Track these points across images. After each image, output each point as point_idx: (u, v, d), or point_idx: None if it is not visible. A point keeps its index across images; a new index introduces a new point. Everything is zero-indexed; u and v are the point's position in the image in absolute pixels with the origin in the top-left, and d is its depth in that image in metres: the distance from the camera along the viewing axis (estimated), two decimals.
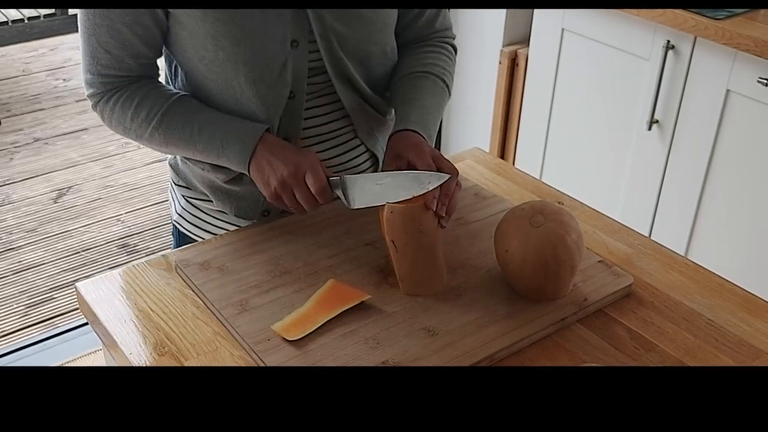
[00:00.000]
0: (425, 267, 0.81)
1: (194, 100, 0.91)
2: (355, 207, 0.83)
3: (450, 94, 1.01)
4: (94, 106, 0.92)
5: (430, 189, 0.79)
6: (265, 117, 0.90)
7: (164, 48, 0.93)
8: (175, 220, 1.04)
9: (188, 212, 1.01)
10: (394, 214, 0.79)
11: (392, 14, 0.94)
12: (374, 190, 0.82)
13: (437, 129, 0.95)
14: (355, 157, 0.99)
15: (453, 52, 1.03)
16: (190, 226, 1.01)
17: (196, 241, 1.00)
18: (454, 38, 1.04)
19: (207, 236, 1.00)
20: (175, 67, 0.95)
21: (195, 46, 0.87)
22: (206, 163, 0.93)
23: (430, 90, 0.96)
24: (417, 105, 0.93)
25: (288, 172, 0.83)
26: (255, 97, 0.89)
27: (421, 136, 0.89)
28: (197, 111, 0.89)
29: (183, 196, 1.01)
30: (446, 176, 0.80)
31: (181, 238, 1.03)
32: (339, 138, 0.97)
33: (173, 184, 1.03)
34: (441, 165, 0.84)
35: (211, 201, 0.97)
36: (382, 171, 0.89)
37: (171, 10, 0.86)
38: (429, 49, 1.00)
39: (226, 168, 0.92)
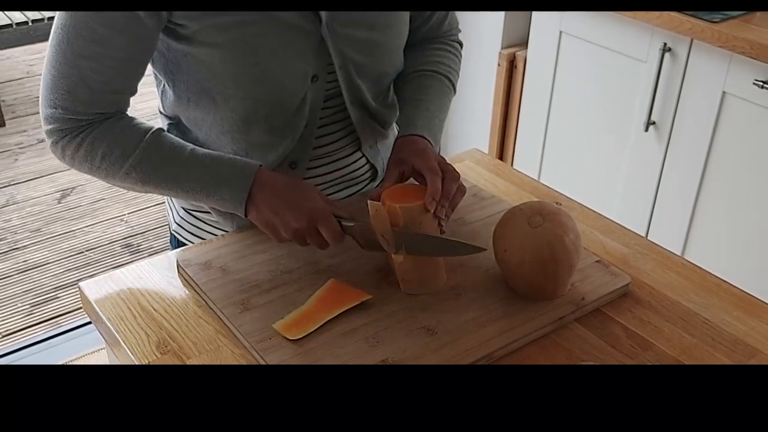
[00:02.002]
0: (425, 266, 0.81)
1: (172, 137, 0.85)
2: (369, 250, 0.83)
3: (455, 92, 1.01)
4: (54, 144, 0.83)
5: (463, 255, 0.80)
6: (278, 147, 0.90)
7: (160, 75, 0.90)
8: (174, 231, 1.03)
9: (187, 222, 1.00)
10: (393, 213, 0.79)
11: (404, 34, 0.95)
12: (410, 245, 0.80)
13: (442, 130, 0.96)
14: (356, 170, 1.00)
15: (459, 49, 1.04)
16: (189, 235, 1.00)
17: None
18: (459, 32, 1.05)
19: None
20: (168, 87, 0.90)
21: (213, 81, 0.84)
22: None
23: (435, 90, 0.96)
24: (423, 108, 0.93)
25: (300, 226, 0.80)
26: (270, 129, 0.88)
27: (427, 140, 0.90)
28: (179, 148, 0.84)
29: (182, 207, 1.00)
30: (479, 248, 0.79)
31: (180, 247, 1.02)
32: (343, 153, 0.97)
33: None
34: (445, 169, 0.85)
35: (209, 212, 0.96)
36: (384, 175, 0.89)
37: (189, 49, 0.83)
38: (436, 47, 1.01)
39: None
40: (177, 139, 0.86)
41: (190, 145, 0.86)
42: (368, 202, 0.79)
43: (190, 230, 1.00)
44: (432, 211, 0.80)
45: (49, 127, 0.83)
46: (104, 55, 0.79)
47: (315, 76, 0.88)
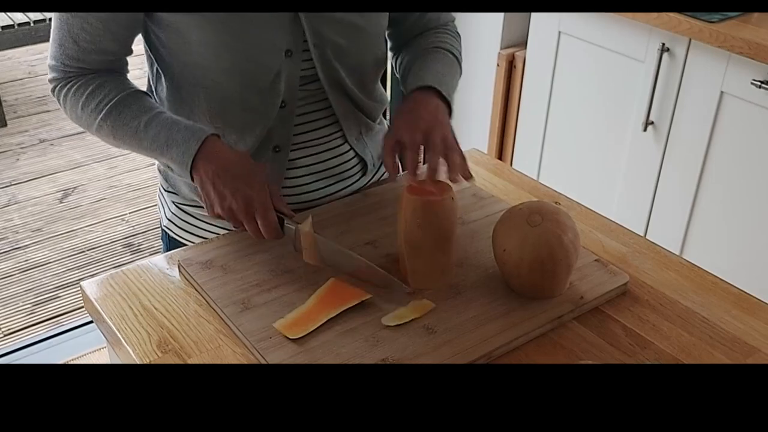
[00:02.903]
0: (435, 261, 0.82)
1: (147, 97, 0.89)
2: (305, 260, 0.83)
3: (461, 69, 1.01)
4: (53, 91, 0.92)
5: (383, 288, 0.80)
6: (255, 126, 0.90)
7: (149, 53, 0.93)
8: (165, 226, 1.03)
9: (178, 218, 1.01)
10: (415, 206, 0.80)
11: (383, 22, 0.95)
12: (328, 255, 0.82)
13: (455, 89, 0.95)
14: (344, 163, 0.99)
15: (458, 35, 1.05)
16: (181, 231, 1.01)
17: (186, 246, 1.00)
18: (453, 19, 1.06)
19: (197, 240, 0.99)
20: (157, 71, 0.94)
21: (190, 52, 0.87)
22: None
23: (441, 59, 0.97)
24: (431, 68, 0.94)
25: (237, 207, 0.82)
26: (246, 105, 0.89)
27: (435, 90, 0.89)
28: (147, 107, 0.88)
29: (173, 202, 1.01)
30: (407, 289, 0.80)
31: (171, 244, 1.02)
32: (329, 144, 0.97)
33: (162, 189, 1.03)
34: (434, 137, 0.84)
35: (202, 206, 0.97)
36: (383, 145, 0.87)
37: (167, 19, 0.86)
38: (435, 32, 1.02)
39: None
40: (151, 101, 0.89)
41: (160, 108, 0.89)
42: (403, 194, 0.81)
43: (180, 225, 1.01)
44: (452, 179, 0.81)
45: (50, 76, 0.92)
46: (90, 14, 0.84)
47: (289, 51, 0.88)
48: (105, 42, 0.87)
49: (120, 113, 0.87)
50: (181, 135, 0.85)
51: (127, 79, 0.92)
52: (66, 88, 0.89)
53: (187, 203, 0.99)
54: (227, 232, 0.96)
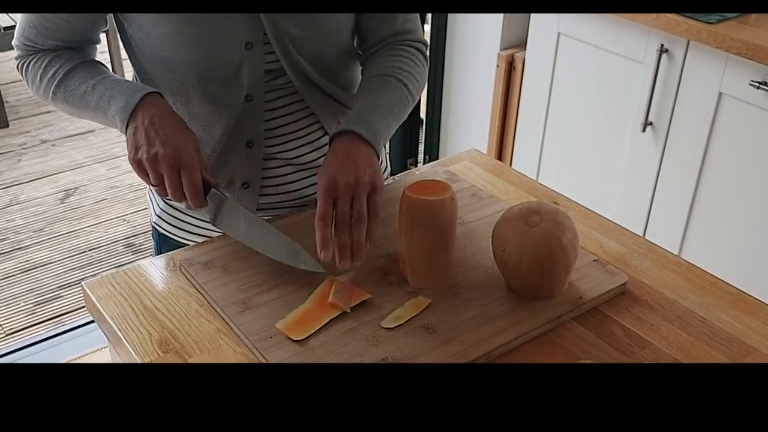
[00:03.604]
0: (438, 261, 0.83)
1: (99, 65, 0.92)
2: (216, 226, 0.84)
3: (412, 95, 0.93)
4: (18, 68, 0.94)
5: (299, 268, 0.80)
6: (220, 119, 0.91)
7: (124, 45, 0.95)
8: (154, 222, 1.04)
9: (167, 213, 1.01)
10: (415, 206, 0.81)
11: (347, 16, 0.93)
12: (246, 228, 0.82)
13: (388, 123, 0.88)
14: (324, 155, 0.96)
15: (420, 55, 0.97)
16: (169, 227, 1.02)
17: (176, 241, 1.01)
18: (424, 43, 0.99)
19: (186, 236, 1.00)
20: (132, 64, 0.96)
21: (152, 46, 0.88)
22: None
23: (382, 89, 0.90)
24: (360, 103, 0.88)
25: (163, 154, 0.79)
26: (209, 98, 0.90)
27: (359, 136, 0.83)
28: (97, 72, 0.90)
29: (162, 198, 1.02)
30: (322, 271, 0.79)
31: (161, 239, 1.03)
32: (306, 136, 0.96)
33: (151, 187, 1.03)
34: (340, 201, 0.78)
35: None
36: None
37: (131, 13, 0.87)
38: (394, 53, 0.95)
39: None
40: (102, 68, 0.92)
41: (109, 73, 0.91)
42: (404, 194, 0.81)
43: (168, 221, 1.02)
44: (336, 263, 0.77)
45: (15, 54, 0.94)
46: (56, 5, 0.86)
47: (249, 43, 0.88)
48: (64, 33, 0.89)
49: (71, 80, 0.89)
50: (124, 90, 0.86)
51: (87, 53, 0.94)
52: (27, 61, 0.92)
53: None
54: (207, 233, 0.96)
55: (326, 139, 0.98)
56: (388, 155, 1.14)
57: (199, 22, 0.85)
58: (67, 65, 0.90)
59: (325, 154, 0.96)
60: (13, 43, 0.94)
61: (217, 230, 0.97)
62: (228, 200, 0.84)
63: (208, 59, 0.88)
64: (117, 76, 0.91)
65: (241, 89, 0.90)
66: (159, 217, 1.03)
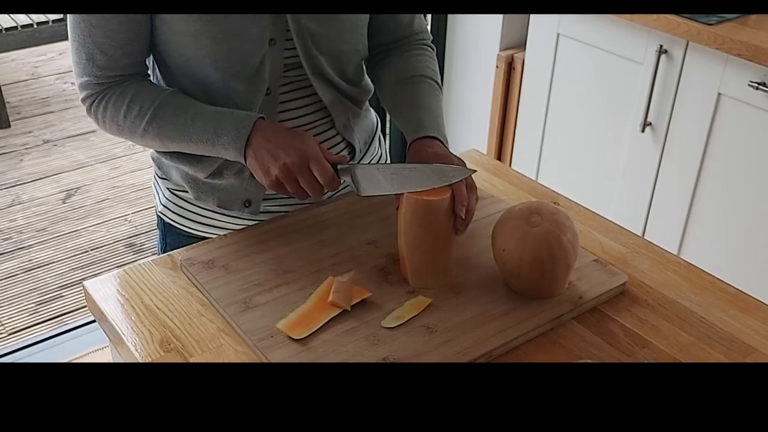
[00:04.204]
0: (438, 261, 0.83)
1: (185, 95, 0.91)
2: (365, 195, 0.85)
3: (443, 93, 1.04)
4: (89, 109, 0.92)
5: (453, 182, 0.82)
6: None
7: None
8: (159, 212, 1.05)
9: (172, 203, 1.02)
10: (415, 207, 0.81)
11: (363, 15, 0.96)
12: (388, 179, 0.83)
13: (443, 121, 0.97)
14: (331, 148, 1.00)
15: (434, 53, 1.06)
16: (175, 216, 1.03)
17: (181, 230, 1.02)
18: (431, 40, 1.07)
19: (192, 225, 1.01)
20: (153, 60, 0.96)
21: (175, 42, 0.89)
22: (188, 158, 0.94)
23: (431, 93, 0.99)
24: (425, 108, 0.96)
25: (291, 161, 0.83)
26: (232, 93, 0.91)
27: (441, 141, 0.92)
28: (190, 103, 0.90)
29: (167, 188, 1.03)
30: (469, 171, 0.83)
31: (166, 229, 1.04)
32: (316, 130, 0.98)
33: (156, 177, 1.05)
34: (467, 179, 0.86)
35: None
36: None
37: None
38: (416, 53, 1.03)
39: (207, 164, 0.93)
40: (188, 97, 0.91)
41: (200, 103, 0.90)
42: (404, 195, 0.82)
43: (173, 210, 1.03)
44: (461, 216, 0.82)
45: (82, 95, 0.92)
46: (108, 20, 0.86)
47: (272, 40, 0.89)
48: (128, 43, 0.88)
49: (165, 113, 0.89)
50: (230, 121, 0.87)
51: (154, 83, 0.94)
52: (104, 101, 0.90)
53: (179, 189, 1.01)
54: (226, 232, 0.96)
55: (334, 132, 1.00)
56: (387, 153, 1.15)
57: (223, 20, 0.86)
58: (153, 100, 0.89)
59: (332, 147, 1.00)
60: (78, 84, 0.91)
61: (222, 219, 0.99)
62: (357, 167, 0.85)
63: (231, 56, 0.88)
64: (203, 103, 0.90)
65: (263, 84, 0.91)
66: (164, 206, 1.04)
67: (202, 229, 1.00)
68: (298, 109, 0.96)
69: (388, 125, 2.01)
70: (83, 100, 0.92)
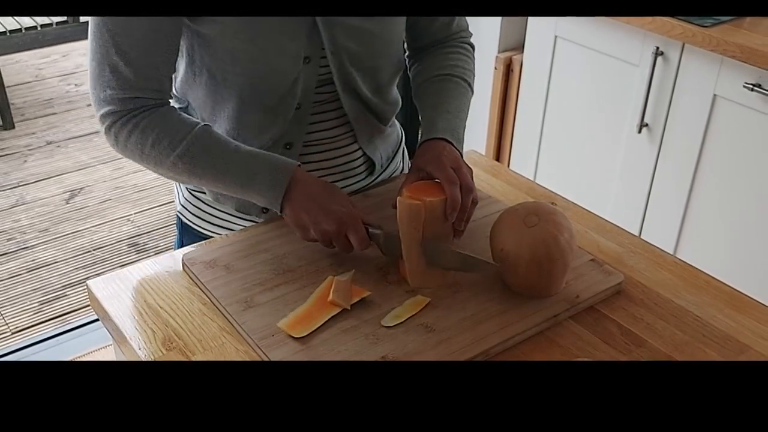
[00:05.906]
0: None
1: (217, 133, 0.89)
2: (386, 256, 0.86)
3: (473, 92, 1.04)
4: (109, 128, 0.87)
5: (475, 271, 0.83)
6: (271, 126, 0.93)
7: (189, 56, 0.93)
8: (178, 211, 1.06)
9: (191, 203, 1.03)
10: (410, 209, 0.82)
11: (400, 29, 0.97)
12: (430, 254, 0.83)
13: (465, 128, 0.97)
14: (352, 161, 1.01)
15: (471, 51, 1.07)
16: (193, 217, 1.04)
17: (198, 231, 1.03)
18: (470, 36, 1.08)
19: (209, 227, 1.02)
20: (193, 72, 0.93)
21: (213, 57, 0.88)
22: None
23: (453, 92, 0.99)
24: (442, 110, 0.96)
25: (331, 229, 0.84)
26: (264, 108, 0.91)
27: (449, 142, 0.92)
28: (225, 143, 0.88)
29: (186, 188, 1.04)
30: (493, 266, 0.82)
31: (184, 229, 1.05)
32: (339, 143, 0.99)
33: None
34: (461, 176, 0.86)
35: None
36: (404, 182, 0.89)
37: (195, 26, 0.87)
38: (449, 50, 1.03)
39: None
40: (221, 135, 0.89)
41: (234, 142, 0.89)
42: (398, 199, 0.82)
43: (192, 210, 1.04)
44: (451, 222, 0.83)
45: (103, 110, 0.87)
46: (135, 28, 0.83)
47: (307, 58, 0.90)
48: (155, 52, 0.84)
49: (196, 149, 0.86)
50: (266, 165, 0.86)
51: (185, 114, 0.90)
52: (129, 125, 0.86)
53: (200, 190, 1.02)
54: (230, 231, 0.97)
55: (356, 146, 1.01)
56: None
57: (260, 40, 0.86)
58: (184, 133, 0.86)
59: (352, 161, 1.01)
60: (99, 99, 0.85)
61: (238, 222, 1.00)
62: (384, 233, 0.86)
63: (266, 73, 0.88)
64: (236, 143, 0.88)
65: (294, 99, 0.92)
66: (183, 206, 1.05)
67: (219, 232, 1.01)
68: (323, 123, 0.97)
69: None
70: (103, 117, 0.86)
